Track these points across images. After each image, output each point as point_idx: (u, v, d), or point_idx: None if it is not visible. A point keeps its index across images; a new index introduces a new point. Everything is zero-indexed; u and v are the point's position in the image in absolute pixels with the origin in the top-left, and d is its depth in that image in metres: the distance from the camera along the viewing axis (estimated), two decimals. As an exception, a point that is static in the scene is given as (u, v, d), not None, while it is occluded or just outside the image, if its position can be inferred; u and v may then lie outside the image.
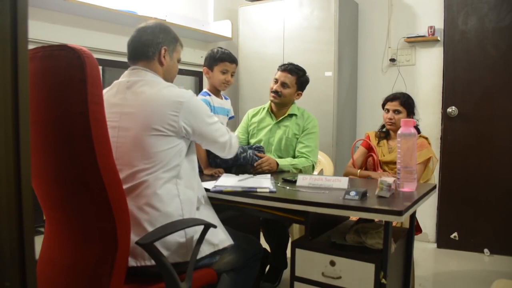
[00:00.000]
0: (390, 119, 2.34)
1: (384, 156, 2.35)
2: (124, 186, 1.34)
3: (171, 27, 1.59)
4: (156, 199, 1.36)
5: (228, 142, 1.61)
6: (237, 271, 1.56)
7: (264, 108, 2.48)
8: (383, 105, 2.41)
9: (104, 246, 1.15)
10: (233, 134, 1.68)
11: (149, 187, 1.36)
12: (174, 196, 1.40)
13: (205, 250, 1.43)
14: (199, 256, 1.39)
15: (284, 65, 2.37)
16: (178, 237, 1.37)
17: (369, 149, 2.41)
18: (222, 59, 2.07)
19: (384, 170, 2.31)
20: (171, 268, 1.27)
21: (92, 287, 1.16)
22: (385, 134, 2.44)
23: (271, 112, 2.42)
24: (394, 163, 2.22)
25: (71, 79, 1.07)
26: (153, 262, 1.31)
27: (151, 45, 1.49)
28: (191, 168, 1.50)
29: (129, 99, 1.42)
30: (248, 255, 1.61)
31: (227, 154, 1.66)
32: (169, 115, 1.38)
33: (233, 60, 2.10)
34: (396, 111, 2.34)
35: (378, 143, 2.42)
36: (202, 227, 1.38)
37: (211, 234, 1.44)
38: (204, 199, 1.57)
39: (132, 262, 1.33)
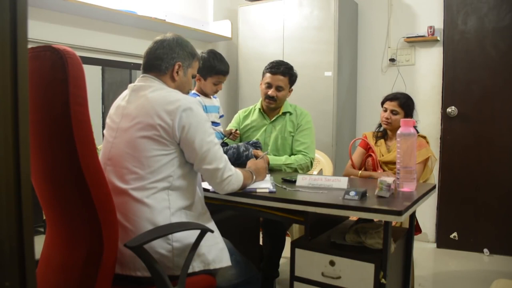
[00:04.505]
0: (387, 118, 2.32)
1: (383, 156, 2.34)
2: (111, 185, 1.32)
3: (183, 35, 1.56)
4: (143, 208, 1.31)
5: (221, 172, 1.43)
6: (238, 286, 1.50)
7: (255, 108, 2.44)
8: (382, 103, 2.39)
9: (91, 247, 1.15)
10: (239, 173, 1.52)
11: (136, 195, 1.32)
12: (164, 208, 1.34)
13: (194, 267, 1.34)
14: (189, 271, 1.31)
15: (273, 66, 2.28)
16: (164, 250, 1.31)
17: (367, 149, 2.40)
18: (218, 72, 2.04)
19: (384, 170, 2.30)
20: (163, 273, 1.22)
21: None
22: (382, 134, 2.42)
23: (263, 112, 2.40)
24: (394, 163, 2.21)
25: (55, 80, 1.07)
26: (144, 274, 1.28)
27: (165, 60, 1.47)
28: (189, 179, 1.43)
29: (131, 101, 1.43)
30: (247, 275, 1.54)
31: (219, 187, 1.47)
32: (163, 119, 1.33)
33: (227, 71, 2.08)
34: (394, 112, 2.31)
35: (376, 142, 2.40)
36: (193, 239, 1.31)
37: (207, 248, 1.37)
38: (204, 213, 1.50)
39: (120, 270, 1.30)
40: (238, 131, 2.30)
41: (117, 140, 1.39)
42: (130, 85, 1.50)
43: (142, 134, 1.34)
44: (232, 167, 1.50)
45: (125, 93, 1.50)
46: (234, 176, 1.48)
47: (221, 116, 2.28)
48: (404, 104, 2.31)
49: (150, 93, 1.40)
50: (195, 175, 1.48)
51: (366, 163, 2.38)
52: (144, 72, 1.51)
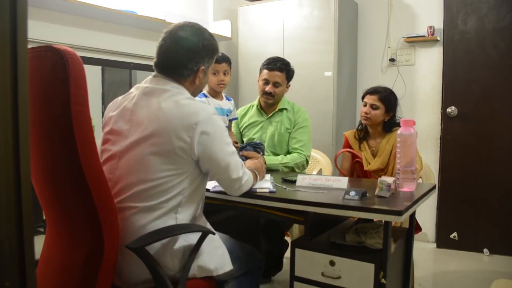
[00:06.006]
0: (366, 113, 2.18)
1: (369, 164, 2.19)
2: (116, 200, 1.27)
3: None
4: (147, 231, 1.25)
5: (239, 180, 1.43)
6: (239, 279, 1.48)
7: (252, 106, 2.46)
8: (363, 98, 2.25)
9: (91, 247, 1.15)
10: (250, 174, 1.52)
11: (142, 216, 1.26)
12: None
13: (196, 274, 1.31)
14: (190, 277, 1.29)
15: (270, 63, 2.29)
16: (163, 255, 1.27)
17: (352, 153, 2.27)
18: None
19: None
20: (164, 275, 1.21)
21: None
22: (364, 133, 2.28)
23: (260, 108, 2.41)
24: (382, 169, 2.15)
25: (55, 80, 1.07)
26: (142, 287, 1.27)
27: (188, 66, 1.35)
28: (198, 194, 1.38)
29: (142, 106, 1.31)
30: (248, 266, 1.53)
31: (237, 192, 1.48)
32: (182, 137, 1.25)
33: (222, 59, 2.05)
34: (374, 106, 2.16)
35: (359, 146, 2.27)
36: (193, 242, 1.29)
37: (208, 256, 1.34)
38: (199, 217, 1.45)
39: (119, 283, 1.28)
40: (238, 144, 2.29)
41: (127, 150, 1.29)
42: (140, 86, 1.38)
43: (155, 151, 1.25)
44: (246, 169, 1.50)
45: (132, 93, 1.38)
46: (249, 179, 1.50)
47: (234, 119, 2.28)
48: (385, 98, 2.17)
49: (164, 101, 1.29)
50: (204, 186, 1.44)
51: (355, 169, 2.28)
52: (158, 71, 1.39)
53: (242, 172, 1.44)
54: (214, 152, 1.31)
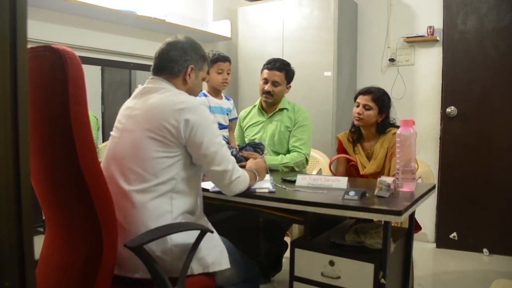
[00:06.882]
0: (359, 113, 2.14)
1: (365, 168, 2.16)
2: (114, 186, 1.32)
3: (198, 42, 1.58)
4: (145, 212, 1.30)
5: (229, 173, 1.43)
6: (238, 286, 1.49)
7: (255, 106, 2.49)
8: (355, 98, 2.21)
9: (91, 247, 1.15)
10: (245, 174, 1.53)
11: (138, 198, 1.31)
12: (166, 212, 1.33)
13: (193, 270, 1.34)
14: (188, 273, 1.31)
15: (270, 63, 2.34)
16: (162, 253, 1.30)
17: (346, 158, 2.24)
18: (215, 60, 2.12)
19: None
20: (163, 274, 1.22)
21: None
22: (357, 135, 2.25)
23: (261, 109, 2.44)
24: (378, 173, 2.13)
25: (54, 80, 1.07)
26: (143, 275, 1.28)
27: (178, 62, 1.47)
28: (192, 183, 1.43)
29: (139, 103, 1.43)
30: (247, 274, 1.54)
31: (227, 189, 1.47)
32: (169, 121, 1.33)
33: (225, 59, 2.15)
34: (367, 107, 2.13)
35: (353, 149, 2.23)
36: (192, 241, 1.31)
37: (207, 251, 1.37)
38: (201, 217, 1.50)
39: (118, 271, 1.29)
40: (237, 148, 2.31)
41: (122, 139, 1.39)
42: (140, 87, 1.49)
43: (147, 135, 1.34)
44: (240, 168, 1.50)
45: (135, 93, 1.50)
46: (242, 177, 1.49)
47: (234, 119, 2.29)
48: (379, 98, 2.14)
49: (158, 96, 1.41)
50: (198, 179, 1.48)
51: (351, 173, 2.26)
52: (154, 74, 1.50)
53: (232, 167, 1.44)
54: (200, 138, 1.36)
